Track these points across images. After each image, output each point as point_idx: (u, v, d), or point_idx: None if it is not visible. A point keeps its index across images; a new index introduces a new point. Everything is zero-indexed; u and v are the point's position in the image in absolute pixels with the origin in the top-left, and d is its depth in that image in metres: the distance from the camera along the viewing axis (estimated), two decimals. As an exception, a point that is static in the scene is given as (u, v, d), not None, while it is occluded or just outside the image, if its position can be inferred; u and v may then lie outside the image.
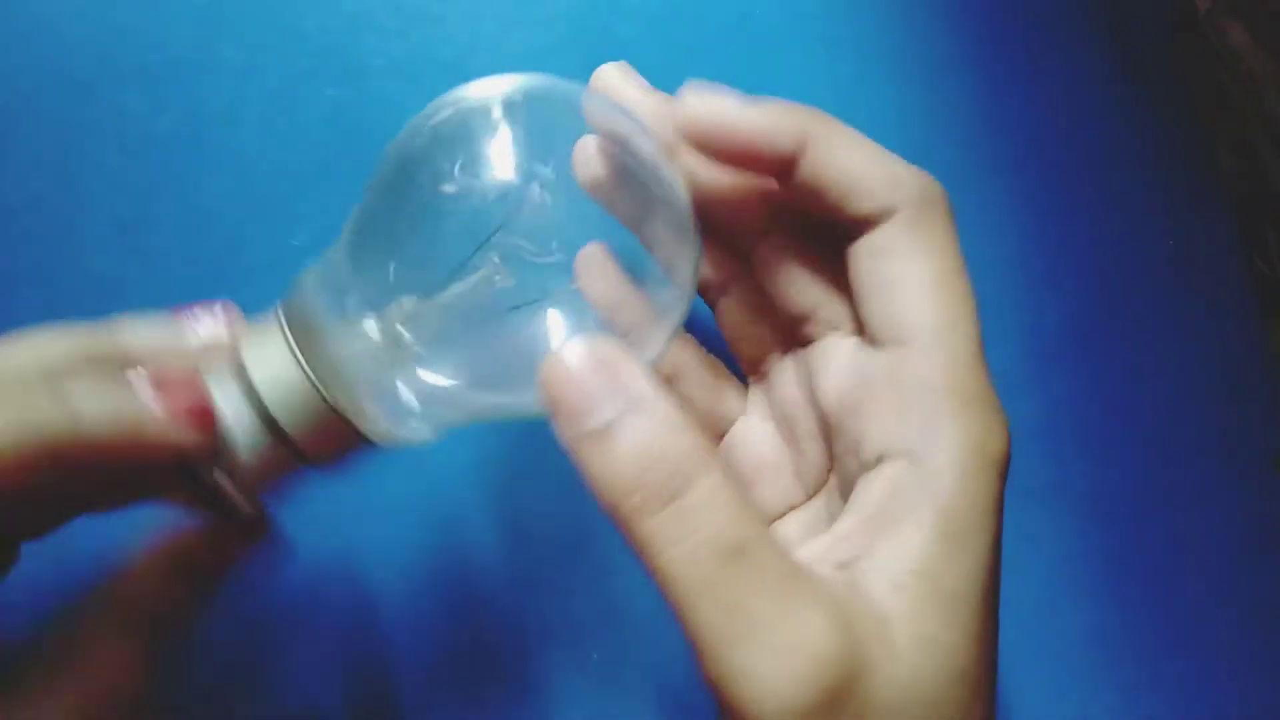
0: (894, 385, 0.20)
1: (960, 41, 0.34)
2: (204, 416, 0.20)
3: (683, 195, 0.23)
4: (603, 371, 0.18)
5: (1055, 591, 0.32)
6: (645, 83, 0.24)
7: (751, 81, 0.33)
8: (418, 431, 0.23)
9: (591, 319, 0.23)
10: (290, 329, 0.22)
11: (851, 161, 0.21)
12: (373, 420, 0.22)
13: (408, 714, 0.30)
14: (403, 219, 0.23)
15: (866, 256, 0.21)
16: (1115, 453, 0.33)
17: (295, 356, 0.21)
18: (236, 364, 0.21)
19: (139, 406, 0.19)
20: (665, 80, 0.33)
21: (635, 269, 0.25)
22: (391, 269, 0.23)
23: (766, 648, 0.17)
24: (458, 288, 0.23)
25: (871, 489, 0.20)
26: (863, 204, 0.21)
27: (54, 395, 0.18)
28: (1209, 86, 0.35)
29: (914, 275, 0.21)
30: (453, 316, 0.22)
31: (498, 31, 0.33)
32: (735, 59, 0.34)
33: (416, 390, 0.23)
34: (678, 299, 0.23)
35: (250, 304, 0.31)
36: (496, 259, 0.23)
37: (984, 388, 0.20)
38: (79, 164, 0.32)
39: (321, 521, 0.31)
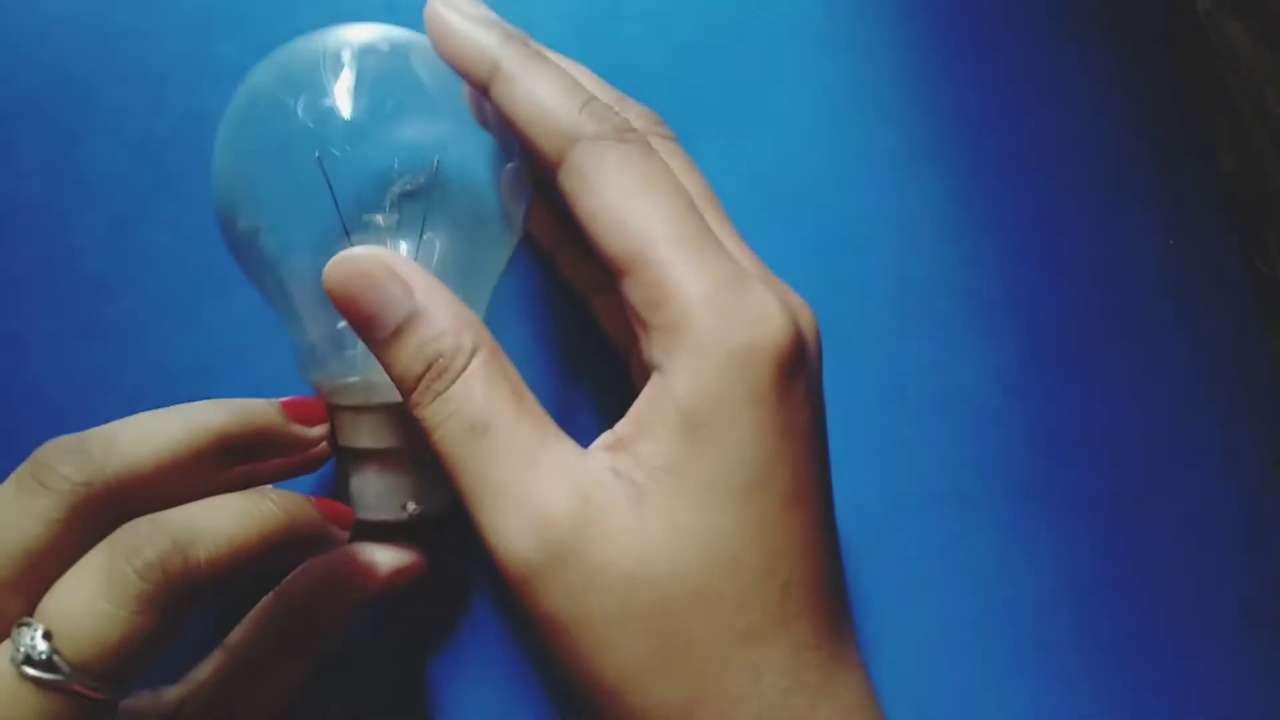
0: (634, 309, 0.21)
1: (960, 41, 0.34)
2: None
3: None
4: (381, 278, 0.21)
5: (1055, 591, 0.32)
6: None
7: (752, 81, 0.34)
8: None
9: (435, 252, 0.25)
10: None
11: (527, 105, 0.22)
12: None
13: (407, 714, 0.30)
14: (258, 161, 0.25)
15: (567, 201, 0.22)
16: (1115, 453, 0.33)
17: None
18: None
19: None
20: (666, 80, 0.33)
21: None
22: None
23: (505, 510, 0.20)
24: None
25: (641, 397, 0.21)
26: (539, 149, 0.22)
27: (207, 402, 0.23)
28: (1209, 86, 0.35)
29: (595, 210, 0.21)
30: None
31: (497, 31, 0.33)
32: (735, 59, 0.34)
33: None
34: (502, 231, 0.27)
35: (250, 303, 0.31)
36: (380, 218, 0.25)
37: (711, 285, 0.20)
38: (79, 164, 0.32)
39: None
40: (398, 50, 0.26)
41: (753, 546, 0.20)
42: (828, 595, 0.21)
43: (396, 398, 0.25)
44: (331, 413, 0.26)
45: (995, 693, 0.32)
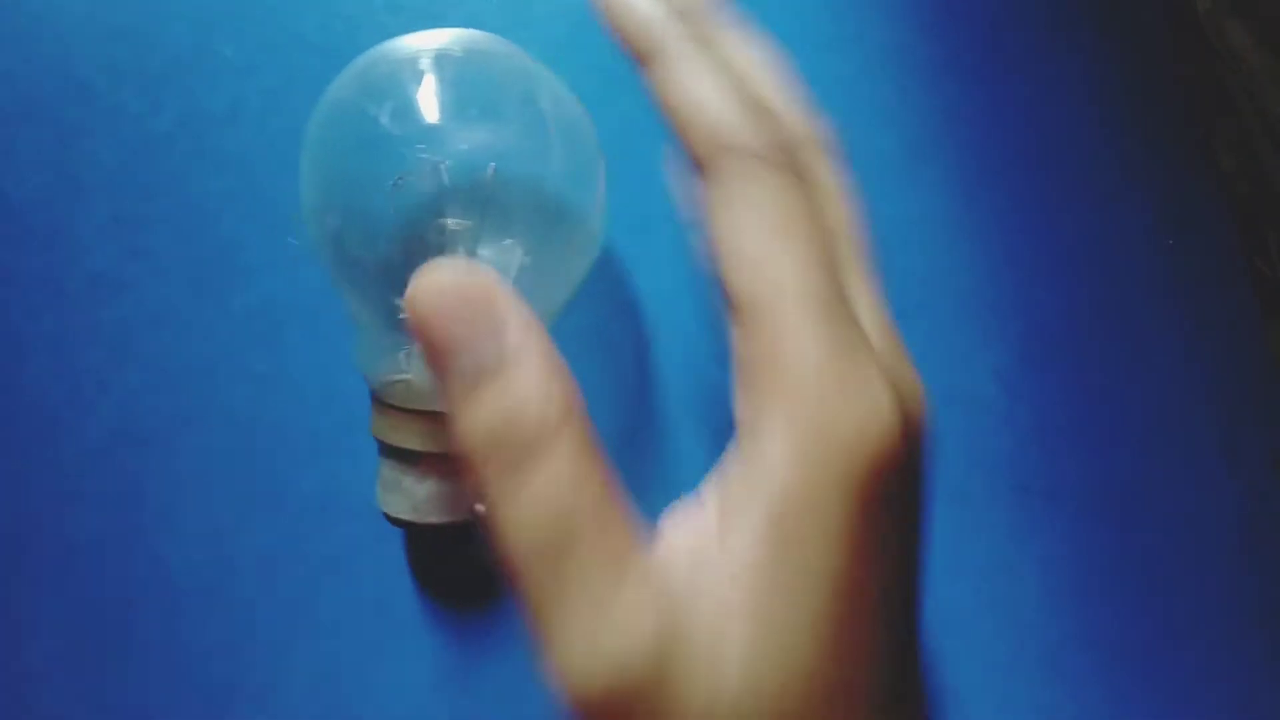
0: (739, 361, 0.19)
1: (960, 41, 0.34)
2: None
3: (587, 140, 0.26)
4: (475, 308, 0.18)
5: (1054, 591, 0.32)
6: None
7: (751, 81, 0.34)
8: None
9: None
10: None
11: (683, 97, 0.20)
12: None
13: (407, 713, 0.30)
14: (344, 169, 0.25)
15: (705, 214, 0.20)
16: (1114, 452, 0.33)
17: None
18: None
19: None
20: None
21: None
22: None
23: (578, 635, 0.17)
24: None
25: (729, 469, 0.18)
26: (688, 143, 0.20)
27: None
28: (1209, 86, 0.35)
29: (728, 237, 0.19)
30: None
31: (498, 31, 0.33)
32: (735, 59, 0.34)
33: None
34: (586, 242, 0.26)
35: (249, 302, 0.32)
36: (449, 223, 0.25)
37: (827, 361, 0.18)
38: (79, 164, 0.32)
39: (317, 520, 0.31)
40: (471, 55, 0.26)
41: (831, 664, 0.17)
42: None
43: None
44: (389, 412, 0.26)
45: (995, 693, 0.32)
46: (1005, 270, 0.33)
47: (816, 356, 0.18)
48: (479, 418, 0.17)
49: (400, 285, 0.25)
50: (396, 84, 0.25)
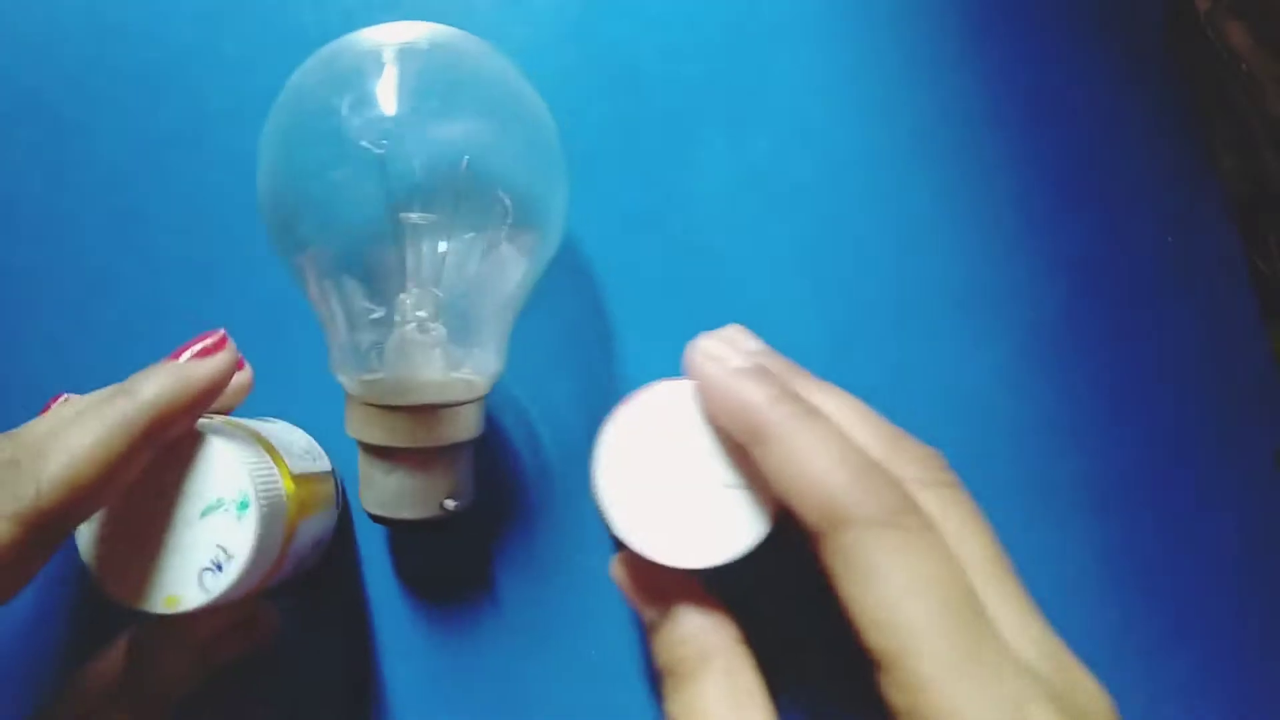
0: (891, 708, 0.20)
1: (960, 41, 0.34)
2: (221, 344, 0.24)
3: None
4: (649, 579, 0.25)
5: (1054, 590, 0.32)
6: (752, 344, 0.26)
7: (751, 81, 0.34)
8: None
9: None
10: None
11: (797, 475, 0.21)
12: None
13: (406, 714, 0.30)
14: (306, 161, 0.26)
15: (833, 579, 0.21)
16: (1115, 452, 0.33)
17: None
18: None
19: (179, 365, 0.23)
20: (665, 80, 0.33)
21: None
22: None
23: None
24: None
25: None
26: (804, 518, 0.21)
27: (119, 392, 0.22)
28: (1209, 86, 0.35)
29: (856, 601, 0.20)
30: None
31: (496, 29, 0.33)
32: (735, 59, 0.34)
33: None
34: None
35: (249, 303, 0.32)
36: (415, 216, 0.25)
37: (969, 705, 0.18)
38: (79, 162, 0.32)
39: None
40: (438, 48, 0.26)
41: None
42: None
43: (434, 398, 0.25)
44: (364, 411, 0.26)
45: (995, 692, 0.32)
46: (1005, 270, 0.33)
47: (958, 703, 0.18)
48: (658, 652, 0.24)
49: (366, 281, 0.26)
50: (359, 76, 0.25)
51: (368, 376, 0.26)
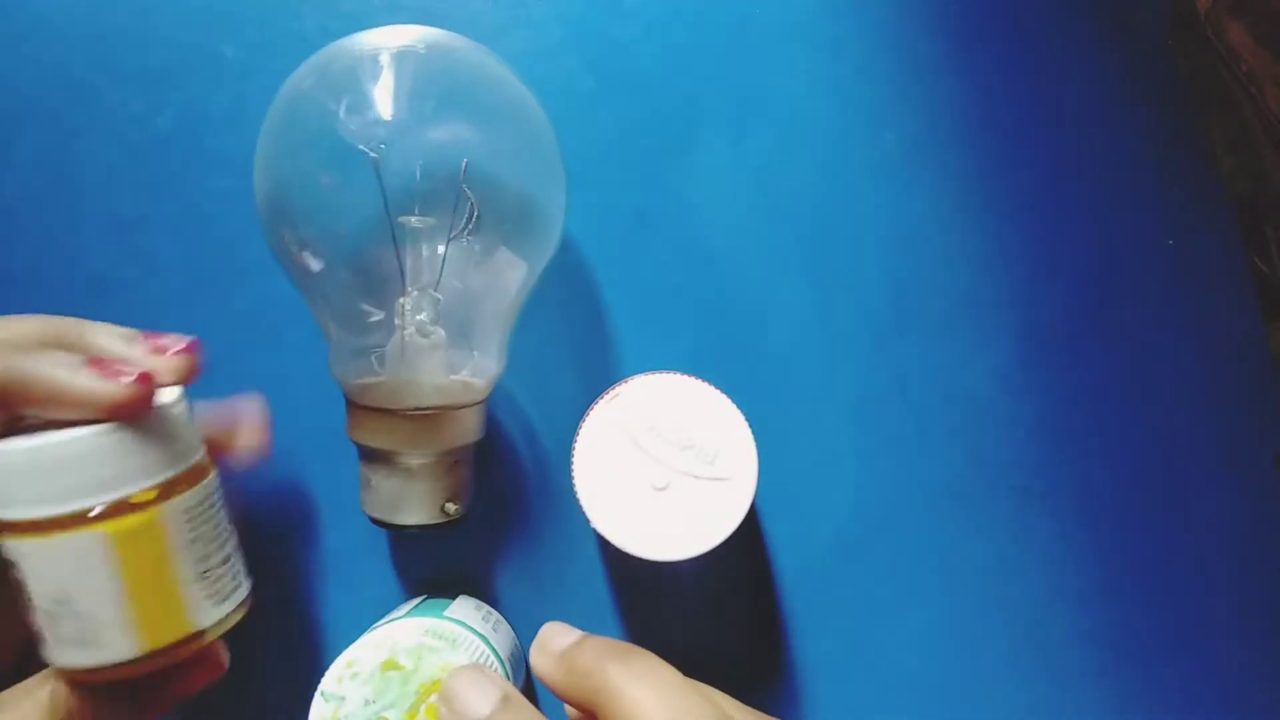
0: None
1: (960, 42, 0.34)
2: (145, 380, 0.22)
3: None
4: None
5: (1055, 591, 0.32)
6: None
7: (752, 81, 0.34)
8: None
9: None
10: None
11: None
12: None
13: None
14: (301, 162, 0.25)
15: None
16: (1115, 453, 0.33)
17: None
18: None
19: (77, 374, 0.22)
20: (666, 80, 0.33)
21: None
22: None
23: None
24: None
25: None
26: None
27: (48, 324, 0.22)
28: (1209, 86, 0.35)
29: None
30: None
31: (497, 31, 0.33)
32: (735, 59, 0.34)
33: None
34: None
35: (248, 305, 0.32)
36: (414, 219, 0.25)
37: None
38: (79, 164, 0.32)
39: (317, 519, 0.31)
40: (434, 52, 0.26)
41: None
42: None
43: (434, 402, 0.25)
44: (364, 415, 0.26)
45: (995, 692, 0.32)
46: (1005, 270, 0.33)
47: None
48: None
49: (365, 285, 0.25)
50: (355, 79, 0.25)
51: (367, 380, 0.26)
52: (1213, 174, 0.35)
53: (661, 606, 0.31)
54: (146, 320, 0.31)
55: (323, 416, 0.30)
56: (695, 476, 0.25)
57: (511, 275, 0.27)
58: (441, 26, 0.28)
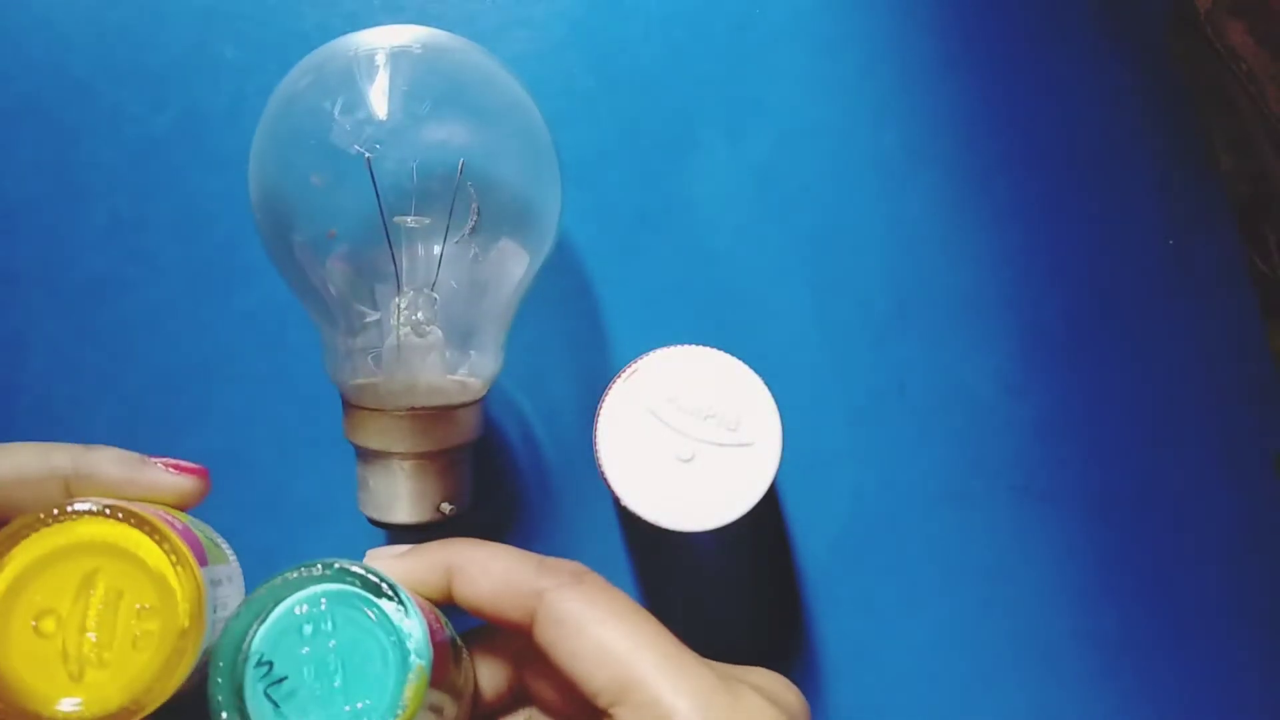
0: None
1: (960, 41, 0.34)
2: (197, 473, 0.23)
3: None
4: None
5: (1055, 591, 0.32)
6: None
7: (752, 81, 0.34)
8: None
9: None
10: None
11: (488, 576, 0.23)
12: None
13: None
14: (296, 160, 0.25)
15: (548, 654, 0.22)
16: (1115, 453, 0.33)
17: None
18: None
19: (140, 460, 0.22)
20: (665, 81, 0.33)
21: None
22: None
23: None
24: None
25: None
26: (510, 613, 0.22)
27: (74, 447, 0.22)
28: (1209, 86, 0.35)
29: (570, 652, 0.21)
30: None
31: (497, 31, 0.33)
32: (735, 59, 0.34)
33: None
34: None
35: (245, 306, 0.32)
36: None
37: (701, 694, 0.20)
38: (79, 164, 0.32)
39: (317, 519, 0.31)
40: (430, 52, 0.26)
41: None
42: None
43: (431, 401, 0.25)
44: (361, 415, 0.26)
45: (995, 692, 0.32)
46: (1005, 270, 0.33)
47: (693, 698, 0.20)
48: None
49: (361, 285, 0.25)
50: (350, 79, 0.25)
51: (364, 380, 0.26)
52: (1213, 174, 0.35)
53: (662, 612, 0.31)
54: (147, 320, 0.31)
55: (323, 416, 0.30)
56: (720, 444, 0.25)
57: (508, 274, 0.27)
58: (441, 27, 0.28)
